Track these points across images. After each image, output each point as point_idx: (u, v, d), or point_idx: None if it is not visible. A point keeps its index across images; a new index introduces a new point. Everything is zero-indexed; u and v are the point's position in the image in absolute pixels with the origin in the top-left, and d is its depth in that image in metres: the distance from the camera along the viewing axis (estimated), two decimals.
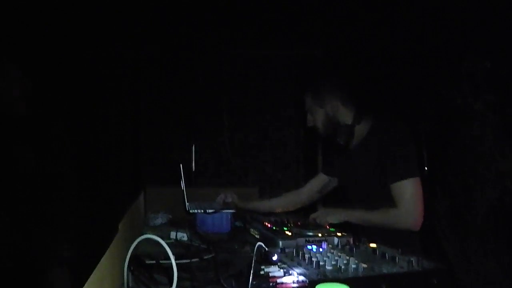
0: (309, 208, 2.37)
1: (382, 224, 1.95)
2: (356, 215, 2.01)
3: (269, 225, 1.87)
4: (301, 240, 1.56)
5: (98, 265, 0.86)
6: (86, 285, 0.75)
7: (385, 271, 1.15)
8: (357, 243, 1.49)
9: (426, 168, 3.54)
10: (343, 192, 2.31)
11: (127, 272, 1.17)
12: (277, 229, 1.77)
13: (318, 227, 1.83)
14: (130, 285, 1.21)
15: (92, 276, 0.80)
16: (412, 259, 1.21)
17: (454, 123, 3.34)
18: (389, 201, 1.96)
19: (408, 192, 1.92)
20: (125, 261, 1.16)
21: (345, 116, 2.14)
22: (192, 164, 3.82)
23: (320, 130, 2.17)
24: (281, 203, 2.46)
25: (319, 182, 2.44)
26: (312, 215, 2.02)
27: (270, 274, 1.13)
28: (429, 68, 3.36)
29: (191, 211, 2.16)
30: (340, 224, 1.95)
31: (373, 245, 1.44)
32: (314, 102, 2.15)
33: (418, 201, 1.92)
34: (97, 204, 1.17)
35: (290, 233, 1.67)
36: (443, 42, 3.28)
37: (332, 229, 1.75)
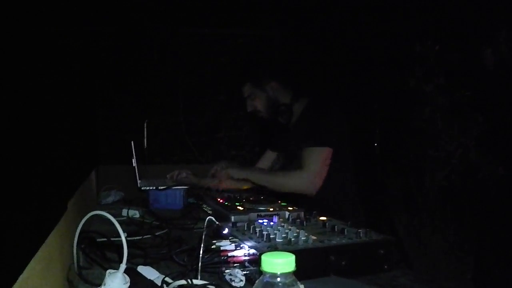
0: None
1: (280, 185, 2.05)
2: (255, 174, 2.11)
3: (221, 201, 1.88)
4: (253, 215, 1.58)
5: (45, 243, 0.85)
6: (31, 263, 0.73)
7: (334, 242, 1.18)
8: (307, 217, 1.52)
9: (375, 145, 3.63)
10: (285, 167, 2.36)
11: (77, 250, 1.16)
12: (230, 204, 1.78)
13: (270, 202, 1.85)
14: (81, 263, 1.19)
15: (38, 254, 0.79)
16: (360, 230, 1.25)
17: (407, 105, 3.44)
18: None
19: (315, 158, 2.01)
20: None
21: (284, 95, 2.22)
22: (144, 141, 3.78)
23: (263, 113, 2.23)
24: (235, 181, 2.48)
25: (268, 159, 2.48)
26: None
27: (222, 248, 1.15)
28: (383, 50, 3.42)
29: (142, 188, 2.15)
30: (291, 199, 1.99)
31: (323, 218, 1.48)
32: (255, 87, 2.20)
33: (322, 169, 2.01)
34: (44, 180, 1.14)
35: (242, 208, 1.69)
36: (397, 25, 3.34)
37: (283, 204, 1.78)
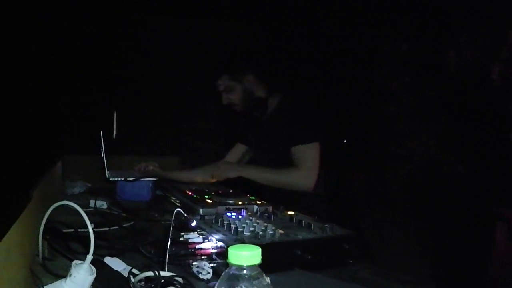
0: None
1: (279, 183, 2.07)
2: (253, 172, 2.10)
3: (190, 194, 1.88)
4: (221, 208, 1.58)
5: (7, 234, 0.83)
6: None
7: (300, 236, 1.20)
8: (275, 211, 1.53)
9: (344, 141, 3.69)
10: (256, 160, 2.37)
11: (41, 241, 1.14)
12: (198, 197, 1.78)
13: (238, 195, 1.86)
14: (46, 254, 1.18)
15: None
16: (326, 225, 1.27)
17: (372, 102, 3.50)
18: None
19: (310, 155, 2.06)
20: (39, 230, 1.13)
21: (260, 89, 2.24)
22: (113, 132, 3.73)
23: (239, 106, 2.25)
24: (202, 173, 2.47)
25: (237, 152, 2.49)
26: (212, 173, 2.12)
27: (189, 240, 1.15)
28: (351, 48, 3.47)
29: (111, 178, 2.12)
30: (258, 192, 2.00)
31: (290, 212, 1.50)
32: (232, 79, 2.21)
33: (317, 164, 2.07)
34: (8, 169, 1.12)
35: (210, 201, 1.69)
36: (365, 24, 3.39)
37: (252, 197, 1.79)
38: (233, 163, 2.31)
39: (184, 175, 2.46)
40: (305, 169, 2.05)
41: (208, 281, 1.04)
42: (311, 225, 1.29)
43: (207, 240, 1.15)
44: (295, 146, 2.07)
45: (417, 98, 3.24)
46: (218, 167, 2.12)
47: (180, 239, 1.15)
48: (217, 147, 4.16)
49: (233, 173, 2.10)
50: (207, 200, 1.72)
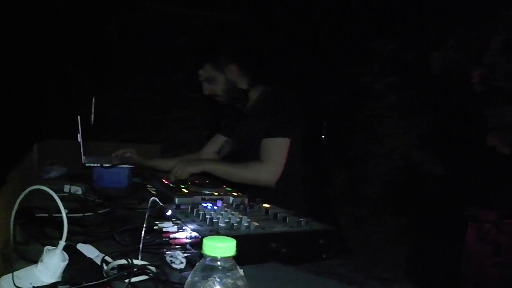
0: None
1: (241, 177, 2.03)
2: (216, 166, 2.06)
3: (166, 182, 1.88)
4: (197, 198, 1.58)
5: None
6: None
7: (275, 229, 1.21)
8: (251, 203, 1.54)
9: (323, 136, 3.71)
10: (236, 153, 2.37)
11: (13, 225, 1.13)
12: (174, 186, 1.78)
13: (215, 186, 1.86)
14: (17, 239, 1.16)
15: None
16: (301, 219, 1.28)
17: (356, 100, 3.53)
18: None
19: (279, 150, 2.04)
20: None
21: (242, 80, 2.22)
22: (91, 117, 3.69)
23: (221, 96, 2.23)
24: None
25: (216, 143, 2.48)
26: (172, 169, 2.00)
27: (164, 229, 1.15)
28: (338, 46, 3.49)
29: (87, 164, 2.10)
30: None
31: (266, 205, 1.50)
32: (215, 69, 2.19)
33: (282, 159, 2.04)
34: None
35: (186, 191, 1.69)
36: (353, 21, 3.41)
37: (228, 189, 1.80)
38: (190, 159, 2.24)
39: (163, 164, 2.45)
40: (266, 163, 2.01)
41: (181, 270, 1.05)
42: (287, 219, 1.29)
43: (181, 230, 1.15)
44: (267, 139, 2.05)
45: (401, 97, 3.28)
46: (175, 166, 2.00)
47: (155, 227, 1.15)
48: (201, 137, 4.15)
49: (193, 169, 2.01)
50: (183, 189, 1.72)
